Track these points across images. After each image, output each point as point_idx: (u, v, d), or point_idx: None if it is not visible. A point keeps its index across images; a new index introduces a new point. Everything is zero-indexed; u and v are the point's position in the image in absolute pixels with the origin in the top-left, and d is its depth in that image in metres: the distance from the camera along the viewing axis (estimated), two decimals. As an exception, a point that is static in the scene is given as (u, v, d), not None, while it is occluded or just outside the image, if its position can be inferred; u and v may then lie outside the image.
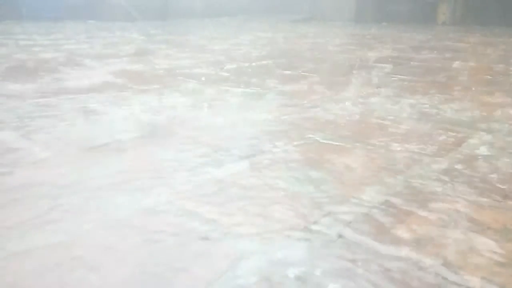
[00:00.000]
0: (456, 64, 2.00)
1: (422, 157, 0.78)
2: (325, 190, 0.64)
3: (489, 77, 1.67)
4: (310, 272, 0.44)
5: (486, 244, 0.50)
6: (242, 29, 3.97)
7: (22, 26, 3.54)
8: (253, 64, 1.89)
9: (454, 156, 0.79)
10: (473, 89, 1.43)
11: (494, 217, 0.57)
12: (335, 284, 0.42)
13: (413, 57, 2.22)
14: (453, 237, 0.51)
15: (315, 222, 0.54)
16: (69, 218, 0.54)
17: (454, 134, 0.93)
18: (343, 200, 0.60)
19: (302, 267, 0.45)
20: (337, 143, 0.85)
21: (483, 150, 0.83)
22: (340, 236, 0.51)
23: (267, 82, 1.47)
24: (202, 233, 0.51)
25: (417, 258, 0.47)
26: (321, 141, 0.86)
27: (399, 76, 1.65)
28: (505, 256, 0.48)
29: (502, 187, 0.66)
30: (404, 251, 0.48)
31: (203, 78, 1.51)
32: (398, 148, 0.83)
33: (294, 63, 1.93)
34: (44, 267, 0.44)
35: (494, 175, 0.71)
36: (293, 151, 0.80)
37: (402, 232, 0.52)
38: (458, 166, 0.74)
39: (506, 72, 1.79)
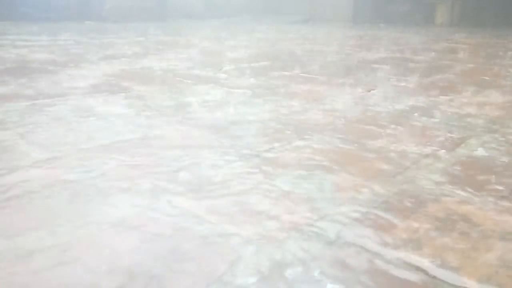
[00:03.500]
0: (455, 65, 2.01)
1: (420, 158, 0.78)
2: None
3: (487, 78, 1.67)
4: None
5: (484, 245, 0.50)
6: (241, 30, 3.98)
7: (19, 27, 3.53)
8: (252, 65, 1.89)
9: (453, 156, 0.79)
10: (472, 89, 1.43)
11: (491, 218, 0.57)
12: (332, 285, 0.42)
13: (412, 58, 2.22)
14: (450, 238, 0.51)
15: (313, 223, 0.53)
16: (66, 218, 0.54)
17: (452, 135, 0.93)
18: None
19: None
20: (334, 145, 0.85)
21: (481, 151, 0.83)
22: (338, 237, 0.50)
23: (266, 83, 1.47)
24: (200, 234, 0.51)
25: (414, 259, 0.47)
26: (317, 142, 0.86)
27: (398, 76, 1.66)
28: (503, 258, 0.48)
29: (500, 188, 0.66)
30: (402, 252, 0.48)
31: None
32: (397, 149, 0.83)
33: (293, 64, 1.93)
34: (43, 268, 0.44)
35: (492, 176, 0.71)
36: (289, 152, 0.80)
37: (399, 233, 0.52)
38: (457, 167, 0.74)
39: (505, 73, 1.79)
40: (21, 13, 4.26)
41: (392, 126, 0.99)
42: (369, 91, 1.38)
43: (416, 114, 1.10)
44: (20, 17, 4.25)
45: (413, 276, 0.44)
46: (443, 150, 0.83)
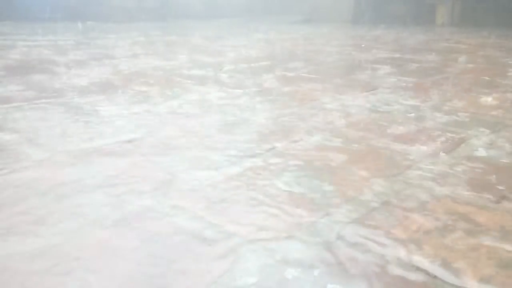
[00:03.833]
0: (455, 65, 2.00)
1: (421, 158, 0.78)
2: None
3: (487, 78, 1.67)
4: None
5: (485, 245, 0.50)
6: (241, 30, 3.98)
7: (19, 27, 3.53)
8: (252, 65, 1.89)
9: (453, 156, 0.79)
10: (473, 89, 1.43)
11: (491, 218, 0.57)
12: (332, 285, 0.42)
13: (412, 58, 2.22)
14: (451, 238, 0.51)
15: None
16: (67, 218, 0.54)
17: (453, 135, 0.93)
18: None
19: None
20: (334, 144, 0.85)
21: (481, 151, 0.83)
22: (338, 237, 0.51)
23: (266, 83, 1.47)
24: (201, 234, 0.51)
25: (415, 258, 0.47)
26: (323, 142, 0.86)
27: (398, 77, 1.66)
28: (503, 257, 0.48)
29: (501, 188, 0.66)
30: (402, 252, 0.48)
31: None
32: (398, 149, 0.83)
33: (293, 65, 1.93)
34: (43, 269, 0.44)
35: (492, 176, 0.71)
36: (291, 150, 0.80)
37: (399, 232, 0.52)
38: (457, 167, 0.74)
39: (505, 74, 1.79)
40: (21, 13, 4.26)
41: (393, 126, 0.99)
42: (370, 91, 1.38)
43: (416, 114, 1.10)
44: (21, 17, 4.25)
45: (413, 276, 0.44)
46: (444, 150, 0.83)
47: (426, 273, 0.45)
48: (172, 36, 3.25)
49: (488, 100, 1.29)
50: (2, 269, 0.44)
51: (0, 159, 0.74)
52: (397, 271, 0.45)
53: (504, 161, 0.78)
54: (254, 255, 0.47)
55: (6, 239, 0.49)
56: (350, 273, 0.44)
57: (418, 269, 0.45)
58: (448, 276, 0.44)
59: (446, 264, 0.46)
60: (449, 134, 0.93)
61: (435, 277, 0.44)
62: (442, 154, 0.81)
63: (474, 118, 1.07)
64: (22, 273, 0.43)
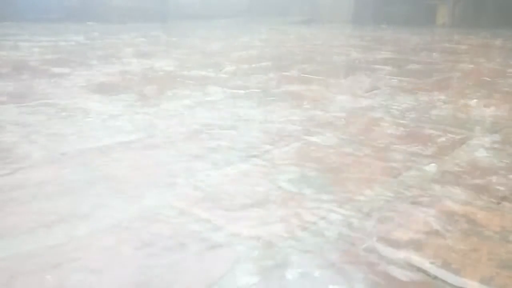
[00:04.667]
0: (456, 65, 2.00)
1: (421, 158, 0.78)
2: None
3: (488, 79, 1.67)
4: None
5: (485, 246, 0.50)
6: (241, 31, 3.98)
7: (20, 28, 3.54)
8: (253, 65, 1.89)
9: (454, 157, 0.79)
10: (473, 90, 1.43)
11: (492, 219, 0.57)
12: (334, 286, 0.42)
13: (413, 59, 2.22)
14: (452, 239, 0.51)
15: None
16: (67, 219, 0.54)
17: (453, 136, 0.93)
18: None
19: (301, 269, 0.45)
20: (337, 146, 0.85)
21: (482, 152, 0.83)
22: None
23: (266, 84, 1.47)
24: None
25: (416, 259, 0.47)
26: (320, 142, 0.86)
27: (399, 77, 1.66)
28: (504, 258, 0.48)
29: (501, 188, 0.66)
30: (403, 253, 0.48)
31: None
32: (398, 149, 0.83)
33: (294, 65, 1.93)
34: (43, 269, 0.44)
35: (493, 177, 0.71)
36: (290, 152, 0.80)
37: (400, 233, 0.52)
38: (458, 167, 0.74)
39: (505, 74, 1.79)
40: (22, 13, 4.26)
41: (394, 126, 0.99)
42: (370, 92, 1.38)
43: (417, 114, 1.10)
44: (22, 17, 4.25)
45: (414, 277, 0.44)
46: (444, 151, 0.83)
47: (427, 274, 0.45)
48: (172, 36, 3.25)
49: (489, 100, 1.29)
50: (4, 268, 0.44)
51: (1, 159, 0.74)
52: (398, 272, 0.45)
53: (505, 161, 0.78)
54: (255, 255, 0.47)
55: (8, 239, 0.49)
56: (351, 274, 0.44)
57: (419, 270, 0.45)
58: (449, 277, 0.44)
59: (446, 265, 0.46)
60: (449, 135, 0.93)
61: (435, 278, 0.44)
62: (442, 154, 0.81)
63: (475, 119, 1.07)
64: (23, 273, 0.43)
